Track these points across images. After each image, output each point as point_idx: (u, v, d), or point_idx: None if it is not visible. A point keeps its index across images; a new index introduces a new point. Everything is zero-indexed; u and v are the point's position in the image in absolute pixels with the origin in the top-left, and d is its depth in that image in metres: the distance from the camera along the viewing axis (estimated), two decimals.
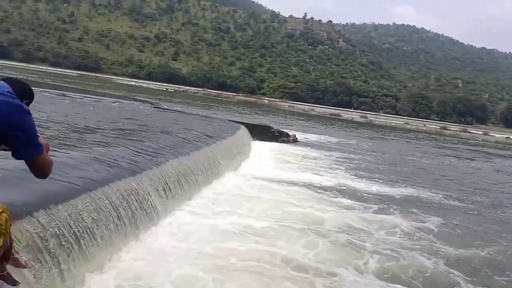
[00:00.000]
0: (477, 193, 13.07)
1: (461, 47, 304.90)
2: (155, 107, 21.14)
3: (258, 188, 9.30)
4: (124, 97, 27.39)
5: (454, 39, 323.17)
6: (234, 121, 18.97)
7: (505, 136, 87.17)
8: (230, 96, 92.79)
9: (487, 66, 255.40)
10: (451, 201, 11.05)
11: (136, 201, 5.50)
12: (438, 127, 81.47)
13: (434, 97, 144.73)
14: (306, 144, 20.69)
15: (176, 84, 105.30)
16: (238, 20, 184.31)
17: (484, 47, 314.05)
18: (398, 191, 11.33)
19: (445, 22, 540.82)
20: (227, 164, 10.39)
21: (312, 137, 25.14)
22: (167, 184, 6.68)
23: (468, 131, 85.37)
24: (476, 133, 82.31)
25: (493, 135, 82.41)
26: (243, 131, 16.43)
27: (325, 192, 9.86)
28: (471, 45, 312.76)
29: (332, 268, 5.49)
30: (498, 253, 7.07)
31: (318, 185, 10.57)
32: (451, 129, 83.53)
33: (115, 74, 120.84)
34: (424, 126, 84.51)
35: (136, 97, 30.48)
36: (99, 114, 13.25)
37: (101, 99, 20.83)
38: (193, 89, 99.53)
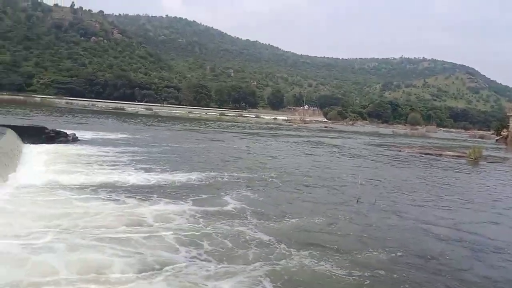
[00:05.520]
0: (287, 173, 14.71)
1: (230, 39, 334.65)
2: None
3: (28, 199, 8.17)
4: None
5: (223, 32, 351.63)
6: None
7: (272, 117, 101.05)
8: None
9: (253, 57, 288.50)
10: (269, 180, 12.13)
11: None
12: (218, 114, 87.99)
13: (211, 86, 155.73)
14: (88, 142, 19.46)
15: None
16: None
17: (248, 39, 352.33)
18: (181, 178, 11.80)
19: (213, 16, 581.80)
20: None
21: (95, 134, 23.78)
22: None
23: (243, 115, 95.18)
24: (250, 117, 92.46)
25: (264, 117, 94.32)
26: (10, 135, 14.32)
27: (101, 190, 9.50)
28: (238, 37, 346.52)
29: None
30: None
31: (99, 184, 10.11)
32: (229, 115, 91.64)
33: None
34: (206, 114, 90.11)
35: None
36: None
37: None
38: None
